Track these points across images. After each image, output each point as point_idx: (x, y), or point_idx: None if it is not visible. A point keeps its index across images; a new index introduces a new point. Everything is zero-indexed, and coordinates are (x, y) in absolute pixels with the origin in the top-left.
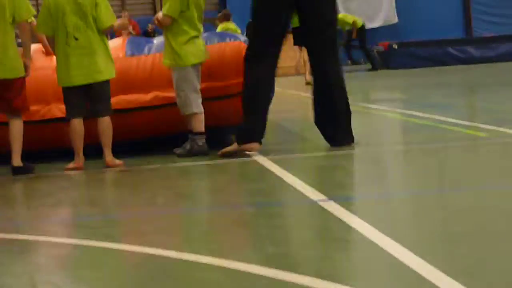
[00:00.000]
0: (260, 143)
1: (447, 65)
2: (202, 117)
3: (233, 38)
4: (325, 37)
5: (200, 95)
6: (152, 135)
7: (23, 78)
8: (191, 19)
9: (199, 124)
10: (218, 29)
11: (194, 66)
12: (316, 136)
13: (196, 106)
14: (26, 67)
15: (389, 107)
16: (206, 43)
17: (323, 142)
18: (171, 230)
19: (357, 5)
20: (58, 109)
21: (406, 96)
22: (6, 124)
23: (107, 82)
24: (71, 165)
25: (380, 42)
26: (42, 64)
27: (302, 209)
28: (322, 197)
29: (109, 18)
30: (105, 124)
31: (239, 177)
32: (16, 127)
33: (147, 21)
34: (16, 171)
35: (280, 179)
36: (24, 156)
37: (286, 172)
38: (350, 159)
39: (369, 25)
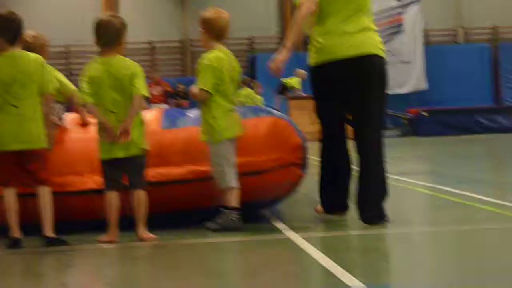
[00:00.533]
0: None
1: (476, 133)
2: (237, 192)
3: (266, 113)
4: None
5: (235, 169)
6: (184, 209)
7: (47, 150)
8: (225, 93)
9: (234, 199)
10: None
11: (230, 140)
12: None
13: (232, 180)
14: (50, 139)
15: (418, 180)
16: (242, 116)
17: (355, 218)
18: None
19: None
20: (92, 181)
21: (436, 168)
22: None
23: (143, 155)
24: (104, 237)
25: (409, 108)
26: (78, 134)
27: None
28: (358, 283)
29: (145, 89)
30: (140, 198)
31: (274, 258)
32: (46, 197)
33: (177, 81)
34: (49, 242)
35: (315, 261)
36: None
37: (321, 253)
38: (383, 240)
39: (398, 91)
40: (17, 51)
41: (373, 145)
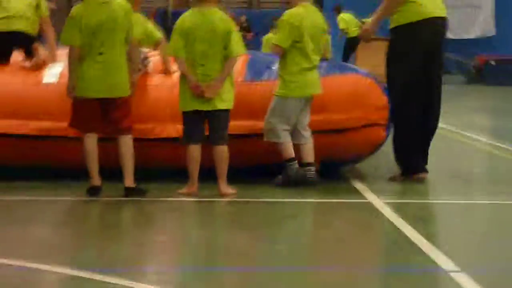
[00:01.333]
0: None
1: None
2: (289, 144)
3: (351, 71)
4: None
5: (290, 127)
6: (265, 163)
7: (130, 97)
8: (304, 51)
9: (287, 151)
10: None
11: (297, 99)
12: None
13: (283, 137)
14: (132, 85)
15: (479, 135)
16: (326, 73)
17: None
18: None
19: (451, 13)
20: (174, 129)
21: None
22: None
23: (227, 111)
24: (184, 190)
25: (476, 55)
26: (161, 81)
27: (430, 279)
28: (451, 265)
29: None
30: (222, 153)
31: (355, 222)
32: (128, 146)
33: (242, 14)
34: (129, 192)
35: (398, 230)
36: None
37: (405, 223)
38: (469, 211)
39: (464, 36)
40: None
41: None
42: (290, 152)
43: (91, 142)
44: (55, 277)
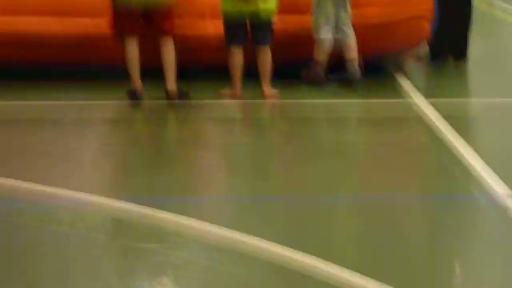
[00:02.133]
0: None
1: None
2: (326, 45)
3: None
4: None
5: (330, 21)
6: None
7: (174, 5)
8: None
9: (318, 52)
10: None
11: None
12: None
13: (322, 32)
14: None
15: None
16: None
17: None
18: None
19: None
20: (214, 25)
21: None
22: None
23: (271, 12)
24: (227, 91)
25: None
26: None
27: (484, 209)
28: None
29: None
30: (265, 54)
31: (400, 137)
32: (169, 48)
33: None
34: (171, 95)
35: (451, 148)
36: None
37: (459, 137)
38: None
39: None
40: None
41: None
42: (322, 52)
43: (132, 48)
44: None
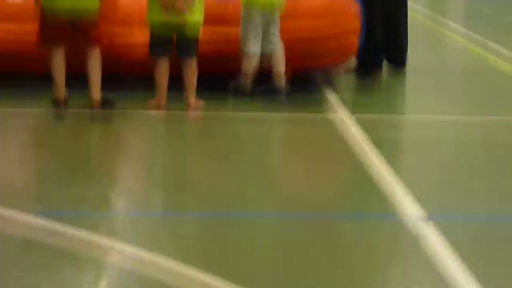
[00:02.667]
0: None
1: None
2: (254, 59)
3: None
4: None
5: (258, 35)
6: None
7: (99, 10)
8: None
9: (248, 65)
10: None
11: (260, 6)
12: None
13: (251, 46)
14: None
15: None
16: None
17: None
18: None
19: None
20: (142, 34)
21: None
22: None
23: (197, 23)
24: (153, 101)
25: None
26: None
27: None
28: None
29: None
30: (192, 66)
31: (318, 152)
32: (95, 58)
33: None
34: (97, 105)
35: (368, 165)
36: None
37: (379, 154)
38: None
39: None
40: None
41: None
42: (249, 66)
43: (59, 57)
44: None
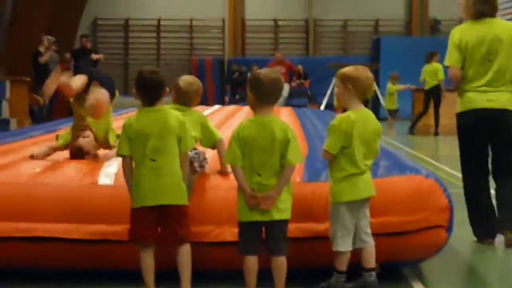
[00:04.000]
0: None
1: None
2: (345, 256)
3: (414, 172)
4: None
5: (349, 232)
6: (322, 265)
7: (186, 206)
8: (351, 156)
9: (340, 263)
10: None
11: (348, 203)
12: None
13: (341, 244)
14: (188, 188)
15: None
16: (385, 173)
17: None
18: None
19: None
20: (230, 233)
21: None
22: None
23: (286, 221)
24: None
25: None
26: (218, 183)
27: None
28: None
29: (298, 156)
30: (280, 264)
31: None
32: (185, 255)
33: (298, 61)
34: None
35: None
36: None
37: None
38: None
39: None
40: (159, 107)
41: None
42: (342, 263)
43: (148, 256)
44: None
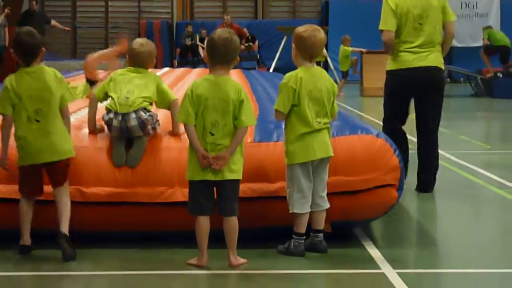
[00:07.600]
0: None
1: None
2: (303, 218)
3: (365, 131)
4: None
5: (305, 195)
6: (275, 226)
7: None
8: (302, 115)
9: (298, 225)
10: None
11: (303, 165)
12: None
13: (297, 206)
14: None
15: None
16: (336, 134)
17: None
18: None
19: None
20: (182, 193)
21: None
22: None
23: (237, 181)
24: (193, 261)
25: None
26: (170, 144)
27: None
28: None
29: (251, 118)
30: (232, 225)
31: None
32: (64, 196)
33: (247, 25)
34: (62, 239)
35: None
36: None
37: None
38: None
39: (472, 44)
40: (36, 67)
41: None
42: (300, 225)
43: (26, 203)
44: None
